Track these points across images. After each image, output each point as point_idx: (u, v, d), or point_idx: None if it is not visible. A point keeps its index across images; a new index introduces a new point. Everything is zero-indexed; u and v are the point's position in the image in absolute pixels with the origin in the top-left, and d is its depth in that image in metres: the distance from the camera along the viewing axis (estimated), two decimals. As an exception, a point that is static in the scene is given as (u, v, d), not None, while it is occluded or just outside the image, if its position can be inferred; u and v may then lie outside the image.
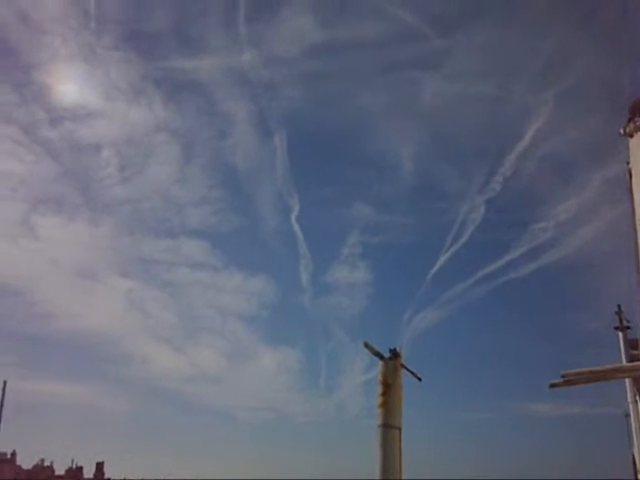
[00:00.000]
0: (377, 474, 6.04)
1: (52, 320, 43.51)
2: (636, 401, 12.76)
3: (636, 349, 13.51)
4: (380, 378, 6.49)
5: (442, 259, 38.87)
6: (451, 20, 41.57)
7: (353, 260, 43.55)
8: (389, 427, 6.22)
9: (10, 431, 30.99)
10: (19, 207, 43.35)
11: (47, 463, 49.98)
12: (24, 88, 42.08)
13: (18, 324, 44.62)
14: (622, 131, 9.05)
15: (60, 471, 49.73)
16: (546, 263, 39.56)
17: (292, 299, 46.80)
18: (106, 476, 52.00)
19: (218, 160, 45.01)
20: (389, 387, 6.41)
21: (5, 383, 31.39)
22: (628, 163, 9.01)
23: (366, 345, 6.34)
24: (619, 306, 14.82)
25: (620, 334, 14.30)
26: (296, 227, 40.99)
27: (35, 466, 48.71)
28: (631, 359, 13.10)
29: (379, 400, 6.48)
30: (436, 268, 39.22)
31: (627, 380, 12.48)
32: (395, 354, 6.51)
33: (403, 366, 6.57)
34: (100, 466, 51.30)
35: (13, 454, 46.28)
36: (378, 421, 6.32)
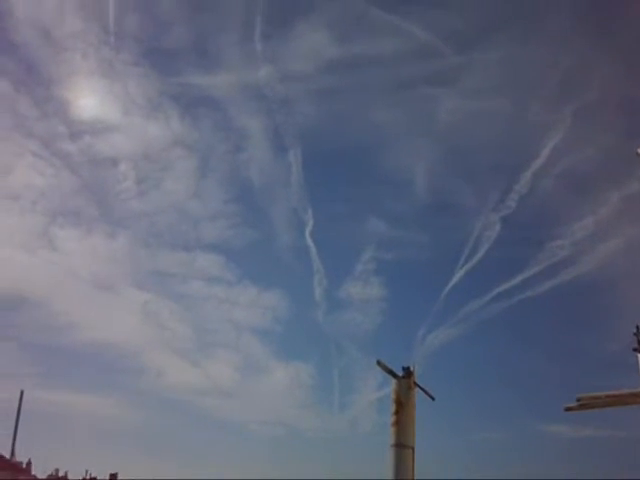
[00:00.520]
0: (389, 494, 5.97)
1: (71, 331, 43.28)
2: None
3: (656, 371, 13.25)
4: (393, 396, 6.43)
5: (457, 276, 37.69)
6: (467, 36, 41.00)
7: (367, 276, 42.01)
8: (402, 447, 6.16)
9: (26, 440, 31.11)
10: (39, 219, 43.32)
11: (62, 473, 50.16)
12: (45, 103, 42.43)
13: (37, 335, 44.46)
14: (640, 150, 8.98)
15: (74, 481, 49.86)
16: (562, 281, 38.71)
17: (305, 314, 45.51)
18: (119, 487, 51.97)
19: (233, 175, 44.50)
20: (402, 406, 6.35)
21: (22, 393, 31.61)
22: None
23: (379, 363, 6.30)
24: (638, 327, 14.57)
25: (639, 356, 14.05)
26: (310, 242, 39.99)
27: (50, 476, 48.92)
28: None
29: (392, 419, 6.41)
30: (450, 285, 38.01)
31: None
32: (408, 372, 6.46)
33: (416, 385, 6.51)
34: (114, 477, 51.31)
35: (28, 463, 46.53)
36: (391, 440, 6.25)
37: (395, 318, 41.91)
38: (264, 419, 39.77)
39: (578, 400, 6.17)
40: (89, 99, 41.16)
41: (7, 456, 33.32)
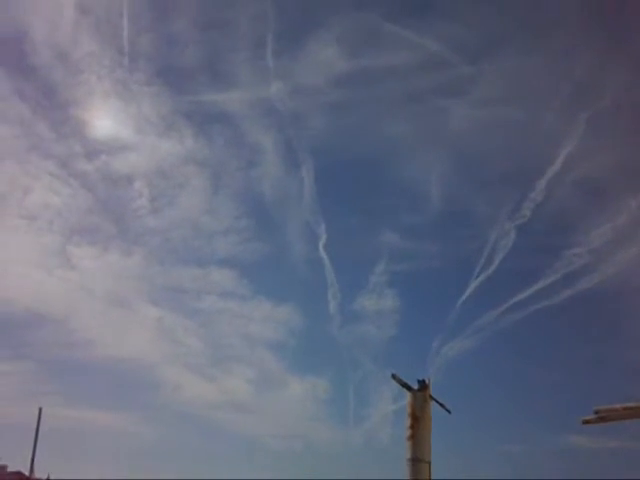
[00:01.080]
0: (406, 509, 5.92)
1: (88, 348, 43.43)
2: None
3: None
4: (408, 410, 6.40)
5: (471, 286, 37.34)
6: (477, 47, 40.89)
7: (381, 288, 41.64)
8: (418, 461, 6.11)
9: (45, 457, 31.08)
10: (56, 239, 43.68)
11: (80, 489, 50.28)
12: (62, 124, 42.93)
13: (55, 352, 44.69)
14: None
15: (92, 498, 50.05)
16: (580, 290, 38.11)
17: (320, 328, 45.14)
18: (137, 503, 52.03)
19: (246, 190, 44.53)
20: (418, 420, 6.31)
21: (40, 410, 31.79)
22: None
23: (394, 377, 6.28)
24: (658, 337, 14.37)
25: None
26: (323, 255, 39.77)
27: (68, 492, 49.06)
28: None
29: (408, 433, 6.37)
30: (465, 296, 37.62)
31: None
32: (423, 385, 6.42)
33: (432, 398, 6.47)
34: (131, 493, 51.32)
35: (47, 479, 46.74)
36: (407, 454, 6.21)
37: (409, 330, 41.28)
38: (279, 433, 39.45)
39: (596, 412, 6.09)
40: (104, 119, 41.66)
41: (26, 473, 33.42)
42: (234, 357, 46.19)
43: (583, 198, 40.80)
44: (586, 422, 6.29)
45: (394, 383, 6.13)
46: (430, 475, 6.06)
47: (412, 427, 6.20)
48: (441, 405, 6.44)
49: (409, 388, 6.27)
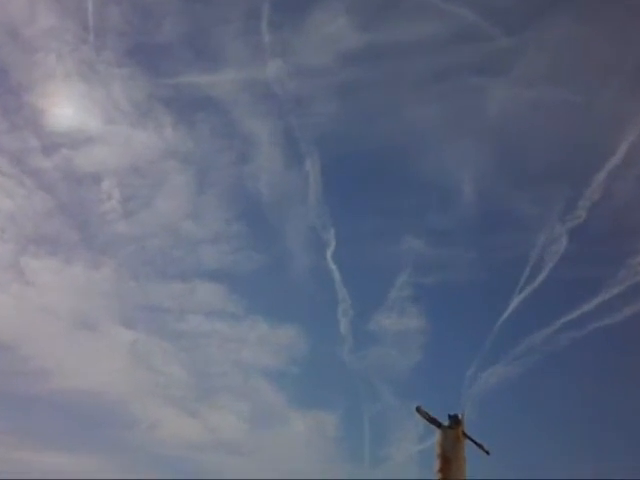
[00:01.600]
0: None
1: (46, 378, 41.05)
2: None
3: None
4: (437, 450, 5.34)
5: (515, 302, 35.21)
6: (520, 15, 38.24)
7: (402, 304, 39.39)
8: (449, 513, 5.02)
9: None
10: (8, 248, 42.05)
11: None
12: (14, 113, 41.52)
13: (7, 383, 42.38)
14: None
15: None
16: (648, 305, 35.55)
17: (328, 352, 42.51)
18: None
19: (238, 189, 42.22)
20: (448, 462, 5.24)
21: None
22: None
23: (419, 410, 5.23)
24: None
25: None
26: (333, 266, 37.68)
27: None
28: None
29: (437, 477, 5.32)
30: (507, 313, 35.50)
31: None
32: (456, 421, 5.36)
33: (466, 435, 5.39)
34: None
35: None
36: (435, 505, 5.14)
37: (438, 354, 38.87)
38: (278, 478, 37.17)
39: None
40: (66, 107, 39.67)
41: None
42: (223, 388, 43.03)
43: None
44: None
45: (419, 418, 5.10)
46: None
47: (442, 471, 5.17)
48: (477, 445, 5.36)
49: (438, 424, 5.22)
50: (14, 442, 41.70)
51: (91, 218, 46.48)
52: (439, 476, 5.13)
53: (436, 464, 5.14)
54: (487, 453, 5.35)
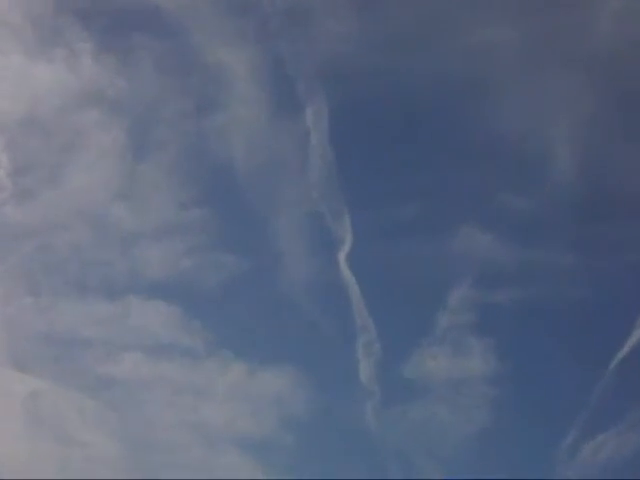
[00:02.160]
0: None
1: None
2: None
3: None
4: None
5: (635, 335, 24.02)
6: None
7: (459, 336, 26.51)
8: None
9: None
10: None
11: None
12: None
13: None
14: None
15: None
16: None
17: (341, 410, 27.80)
18: None
19: (198, 156, 28.65)
20: None
21: None
22: None
23: None
24: None
25: None
26: (348, 276, 24.78)
27: None
28: None
29: None
30: (627, 348, 24.00)
31: None
32: None
33: None
34: None
35: None
36: None
37: (516, 414, 25.50)
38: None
39: None
40: None
41: None
42: (175, 465, 27.83)
43: None
44: None
45: None
46: None
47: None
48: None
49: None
50: None
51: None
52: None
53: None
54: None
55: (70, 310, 30.63)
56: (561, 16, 27.62)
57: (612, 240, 27.21)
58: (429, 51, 27.56)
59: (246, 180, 29.19)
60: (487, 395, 25.50)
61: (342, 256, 26.15)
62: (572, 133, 27.86)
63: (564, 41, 28.17)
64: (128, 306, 28.78)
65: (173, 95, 29.70)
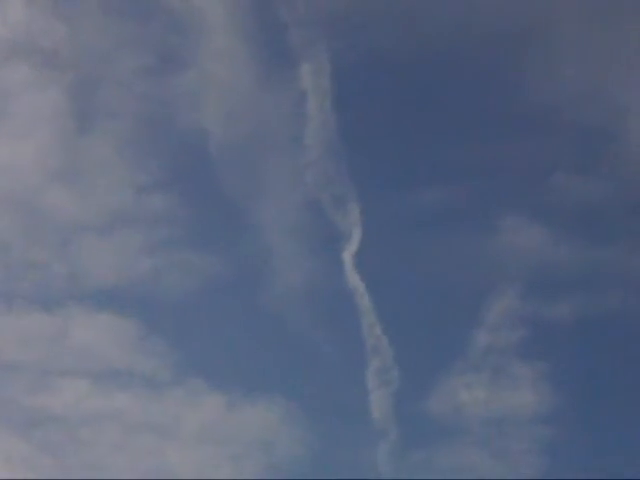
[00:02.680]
0: None
1: None
2: None
3: None
4: None
5: None
6: None
7: (500, 360, 22.18)
8: None
9: None
10: None
11: None
12: None
13: None
14: None
15: None
16: None
17: (348, 454, 24.08)
18: None
19: (159, 125, 24.75)
20: None
21: None
22: None
23: None
24: None
25: None
26: (354, 281, 21.06)
27: None
28: None
29: None
30: None
31: None
32: None
33: None
34: None
35: None
36: None
37: (575, 462, 21.74)
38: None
39: None
40: None
41: None
42: None
43: None
44: None
45: None
46: None
47: None
48: None
49: None
50: None
51: None
52: None
53: None
54: None
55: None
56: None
57: None
58: (456, 4, 23.65)
59: (223, 158, 24.52)
60: (539, 437, 21.34)
61: (348, 256, 22.22)
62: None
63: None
64: (68, 320, 24.03)
65: (128, 47, 25.02)
